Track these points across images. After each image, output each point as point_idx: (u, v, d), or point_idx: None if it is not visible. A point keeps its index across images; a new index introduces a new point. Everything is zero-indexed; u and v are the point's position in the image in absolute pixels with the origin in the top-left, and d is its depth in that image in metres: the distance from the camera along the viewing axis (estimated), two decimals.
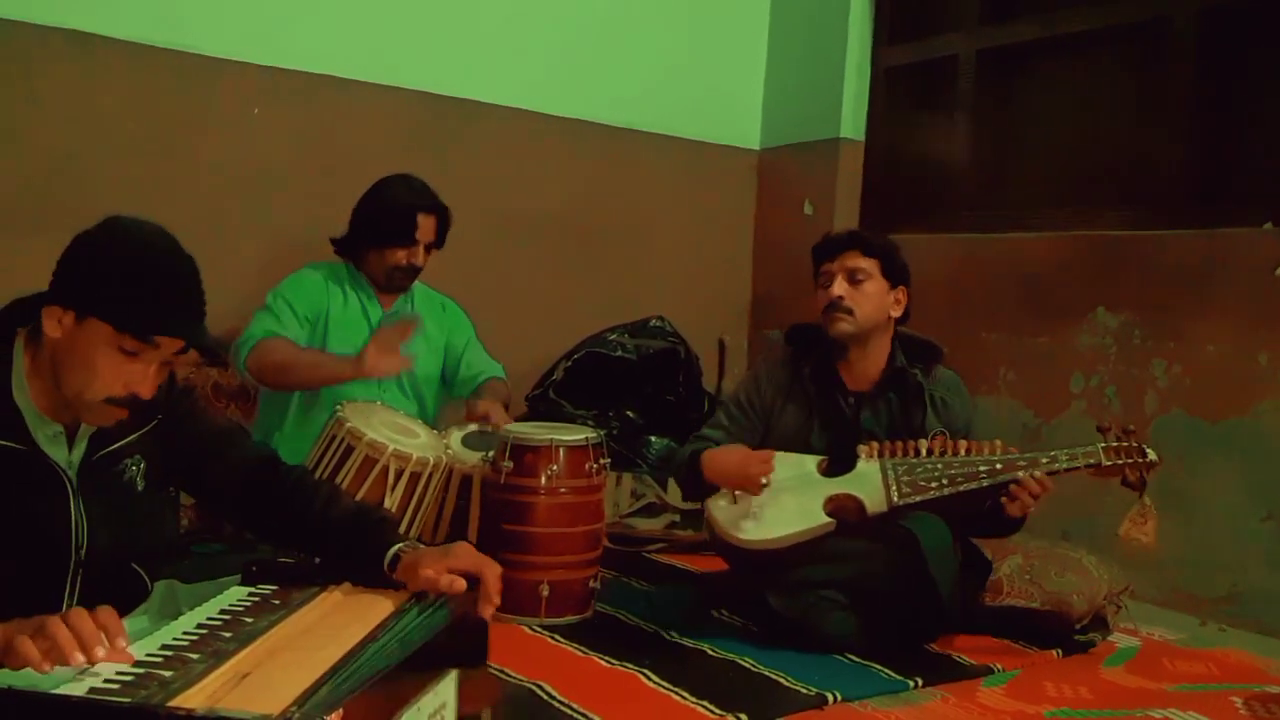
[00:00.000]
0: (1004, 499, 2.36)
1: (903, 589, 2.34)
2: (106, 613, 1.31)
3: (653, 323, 3.84)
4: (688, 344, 3.82)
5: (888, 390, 2.59)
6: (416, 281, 3.07)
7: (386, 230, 2.90)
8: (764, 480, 2.44)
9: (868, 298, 2.54)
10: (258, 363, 2.73)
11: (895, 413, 2.58)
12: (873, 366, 2.60)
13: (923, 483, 2.37)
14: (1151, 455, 2.36)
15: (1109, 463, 2.36)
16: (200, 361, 1.67)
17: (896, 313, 2.60)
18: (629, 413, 3.64)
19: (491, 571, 1.64)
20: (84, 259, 1.53)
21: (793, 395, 2.64)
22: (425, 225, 2.93)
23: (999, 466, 2.37)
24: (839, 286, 2.54)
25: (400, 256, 2.91)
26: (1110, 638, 2.62)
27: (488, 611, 1.63)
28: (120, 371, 1.54)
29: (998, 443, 2.42)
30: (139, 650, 1.34)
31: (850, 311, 2.53)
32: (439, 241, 2.98)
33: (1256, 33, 3.15)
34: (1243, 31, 3.17)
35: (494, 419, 2.77)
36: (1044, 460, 2.36)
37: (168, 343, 1.55)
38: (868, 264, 2.54)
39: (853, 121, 4.12)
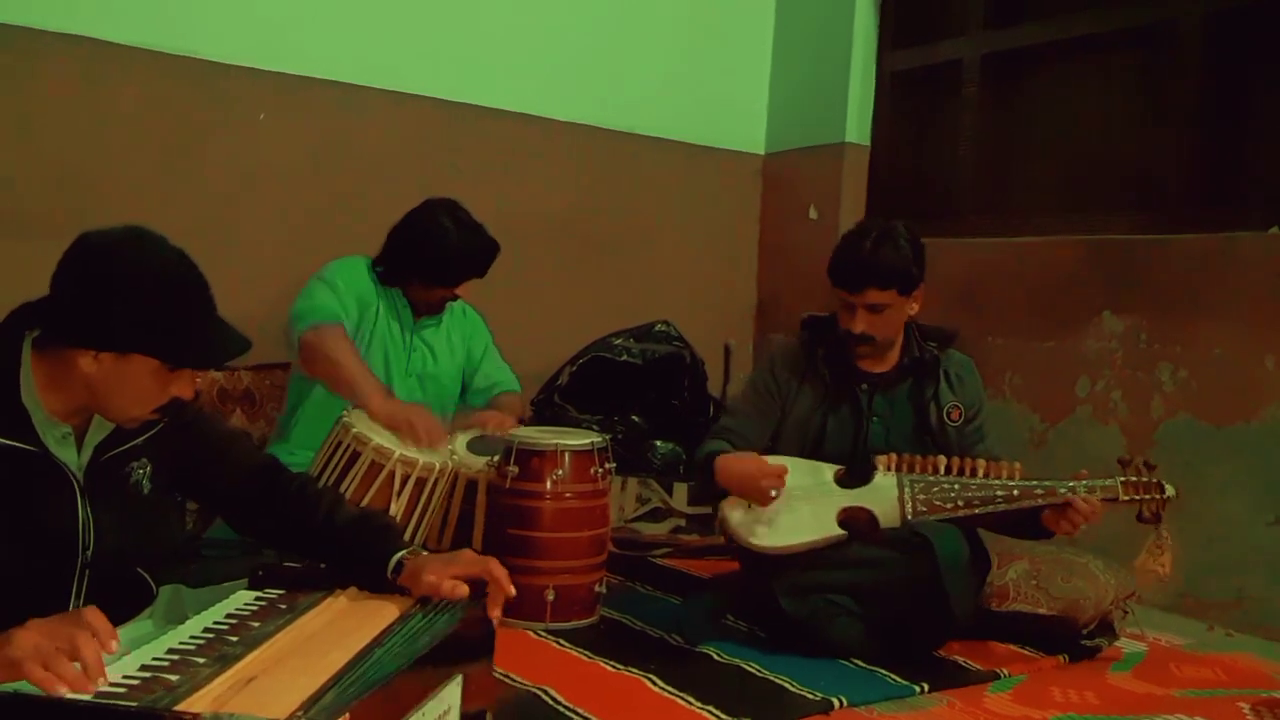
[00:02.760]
0: (1050, 514, 2.36)
1: (915, 597, 2.35)
2: (95, 614, 1.31)
3: (658, 327, 3.84)
4: (693, 349, 3.82)
5: (905, 376, 2.62)
6: None
7: (444, 273, 2.87)
8: (773, 494, 2.41)
9: (889, 323, 2.55)
10: (311, 344, 2.69)
11: (910, 394, 2.60)
12: (890, 353, 2.62)
13: (938, 502, 2.38)
14: (1170, 491, 2.36)
15: (1127, 497, 2.35)
16: None
17: (914, 311, 2.60)
18: (634, 417, 3.64)
19: (497, 570, 1.64)
20: (118, 301, 1.50)
21: (808, 378, 2.64)
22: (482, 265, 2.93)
23: (1016, 492, 2.37)
24: (860, 322, 2.52)
25: (449, 292, 2.92)
26: (1117, 643, 2.61)
27: (497, 609, 1.63)
28: (166, 389, 1.59)
29: (1016, 465, 2.42)
30: (145, 654, 1.34)
31: (872, 340, 2.54)
32: (484, 274, 2.97)
33: (1262, 37, 3.14)
34: (1248, 36, 3.17)
35: (491, 426, 2.77)
36: (1062, 490, 2.35)
37: None
38: (887, 295, 2.50)
39: (858, 126, 4.12)
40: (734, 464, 2.46)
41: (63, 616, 1.32)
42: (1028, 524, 2.43)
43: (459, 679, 1.49)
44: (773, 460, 2.51)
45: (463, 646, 1.55)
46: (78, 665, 1.25)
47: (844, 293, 2.53)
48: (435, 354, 3.01)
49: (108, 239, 1.55)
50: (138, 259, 1.54)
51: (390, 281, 2.93)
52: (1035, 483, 2.38)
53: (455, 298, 2.96)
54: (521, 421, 2.98)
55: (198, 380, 1.67)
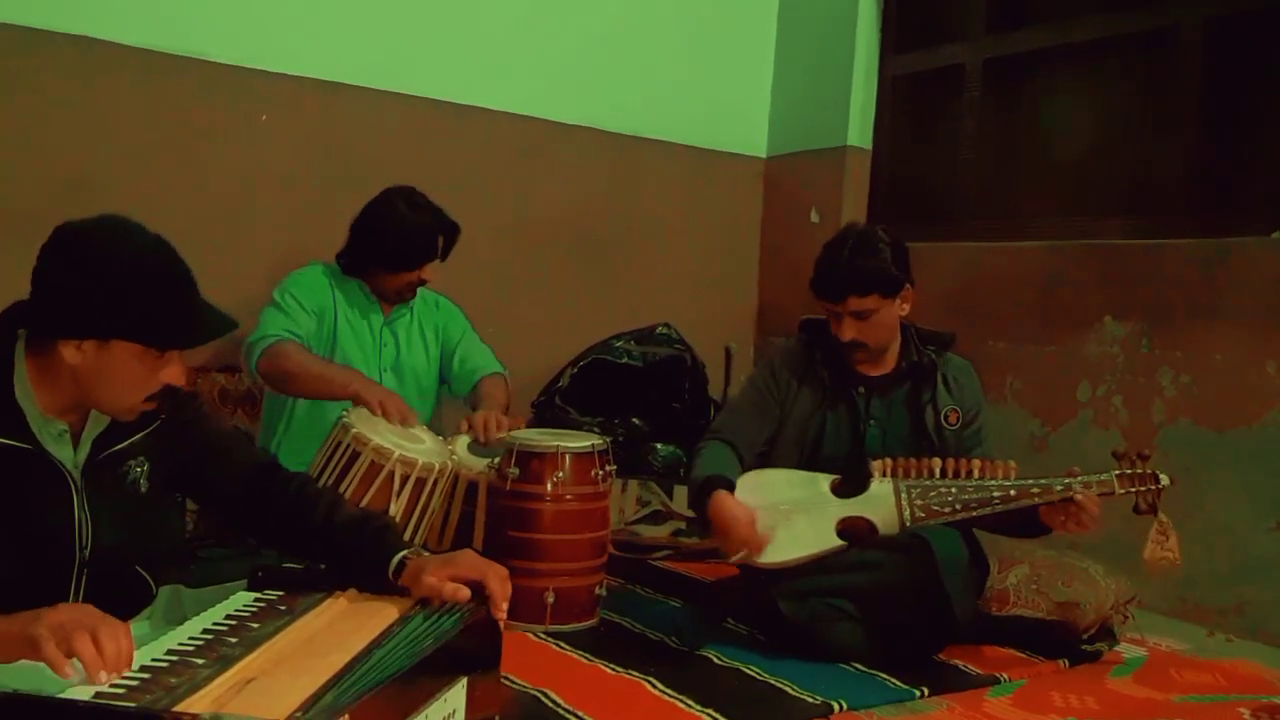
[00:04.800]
0: (1048, 509, 2.36)
1: (914, 600, 2.34)
2: (125, 633, 1.32)
3: (659, 330, 3.84)
4: (694, 351, 3.82)
5: (904, 380, 2.62)
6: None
7: (402, 256, 2.89)
8: (741, 554, 2.41)
9: (878, 327, 2.54)
10: (269, 365, 2.72)
11: (908, 397, 2.60)
12: (888, 356, 2.62)
13: (936, 506, 2.38)
14: (1165, 481, 2.35)
15: (1122, 490, 2.35)
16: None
17: (905, 312, 2.60)
18: (635, 420, 3.64)
19: (497, 577, 1.64)
20: (95, 287, 1.50)
21: (807, 380, 2.64)
22: (439, 245, 2.94)
23: (1013, 492, 2.37)
24: (849, 330, 2.52)
25: (412, 276, 2.92)
26: (1117, 648, 2.61)
27: (499, 611, 1.63)
28: (154, 376, 1.58)
29: (1011, 464, 2.42)
30: (145, 655, 1.34)
31: (865, 346, 2.54)
32: (446, 256, 2.99)
33: (1262, 41, 3.14)
34: (1249, 40, 3.17)
35: (491, 434, 2.75)
36: (1058, 487, 2.35)
37: None
38: (870, 301, 2.50)
39: (859, 129, 4.12)
40: (729, 511, 2.40)
41: (93, 610, 1.33)
42: (1027, 522, 2.43)
43: (464, 682, 1.49)
44: (768, 479, 2.52)
45: (469, 652, 1.55)
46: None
47: (827, 303, 2.54)
48: (409, 346, 3.02)
49: (82, 228, 1.55)
50: (112, 245, 1.54)
51: (354, 273, 2.95)
52: (1031, 481, 2.38)
53: (422, 282, 2.96)
54: (508, 408, 2.96)
55: (189, 368, 1.65)
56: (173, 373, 1.59)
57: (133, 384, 1.57)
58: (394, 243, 2.88)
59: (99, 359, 1.52)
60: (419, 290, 3.10)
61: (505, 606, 1.64)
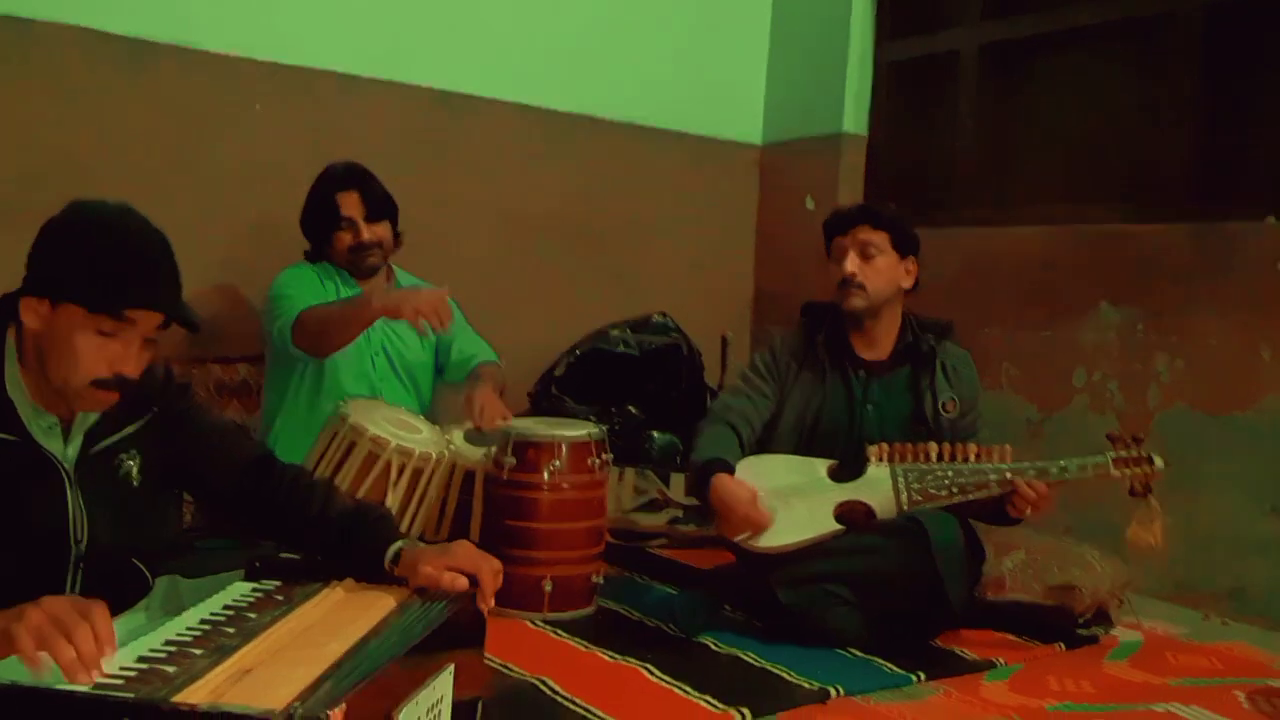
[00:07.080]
0: (1007, 506, 2.41)
1: (910, 585, 2.36)
2: (102, 617, 1.29)
3: (655, 319, 3.84)
4: (690, 340, 3.82)
5: (901, 363, 2.64)
6: (401, 270, 3.09)
7: (318, 221, 2.94)
8: (746, 535, 2.43)
9: (879, 272, 2.58)
10: (303, 333, 2.72)
11: (906, 382, 2.62)
12: (885, 338, 2.65)
13: (933, 490, 2.40)
14: (1159, 463, 2.37)
15: (1117, 473, 2.38)
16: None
17: (907, 284, 2.64)
18: (631, 408, 3.64)
19: (489, 570, 1.64)
20: (50, 246, 1.54)
21: (807, 363, 2.67)
22: (347, 201, 2.92)
23: (1008, 475, 2.39)
24: (851, 263, 2.58)
25: (346, 239, 2.92)
26: (1113, 632, 2.62)
27: (485, 603, 1.63)
28: (102, 353, 1.53)
29: (1008, 448, 2.43)
30: (143, 645, 1.34)
31: (863, 286, 2.58)
32: (375, 211, 2.95)
33: (1260, 27, 3.14)
34: (1246, 26, 3.16)
35: (489, 416, 2.75)
36: (1053, 470, 2.37)
37: (144, 318, 1.55)
38: (879, 238, 2.57)
39: (855, 116, 4.11)
40: (730, 490, 2.43)
41: (74, 601, 1.30)
42: (999, 511, 2.46)
43: (450, 669, 1.49)
44: (766, 464, 2.53)
45: (454, 635, 1.56)
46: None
47: (837, 237, 2.62)
48: (397, 330, 3.00)
49: (67, 207, 1.59)
50: (72, 211, 1.57)
51: (317, 256, 2.98)
52: (1027, 465, 2.40)
53: (369, 245, 2.91)
54: (503, 393, 2.96)
55: (151, 355, 1.61)
56: (125, 359, 1.55)
57: (78, 356, 1.52)
58: (308, 210, 2.96)
59: (51, 324, 1.52)
60: (412, 280, 3.09)
61: (490, 602, 1.64)
